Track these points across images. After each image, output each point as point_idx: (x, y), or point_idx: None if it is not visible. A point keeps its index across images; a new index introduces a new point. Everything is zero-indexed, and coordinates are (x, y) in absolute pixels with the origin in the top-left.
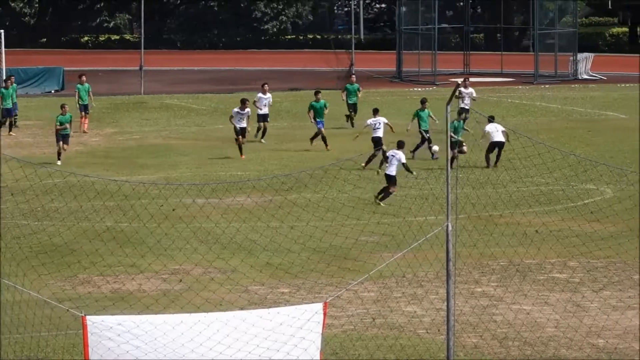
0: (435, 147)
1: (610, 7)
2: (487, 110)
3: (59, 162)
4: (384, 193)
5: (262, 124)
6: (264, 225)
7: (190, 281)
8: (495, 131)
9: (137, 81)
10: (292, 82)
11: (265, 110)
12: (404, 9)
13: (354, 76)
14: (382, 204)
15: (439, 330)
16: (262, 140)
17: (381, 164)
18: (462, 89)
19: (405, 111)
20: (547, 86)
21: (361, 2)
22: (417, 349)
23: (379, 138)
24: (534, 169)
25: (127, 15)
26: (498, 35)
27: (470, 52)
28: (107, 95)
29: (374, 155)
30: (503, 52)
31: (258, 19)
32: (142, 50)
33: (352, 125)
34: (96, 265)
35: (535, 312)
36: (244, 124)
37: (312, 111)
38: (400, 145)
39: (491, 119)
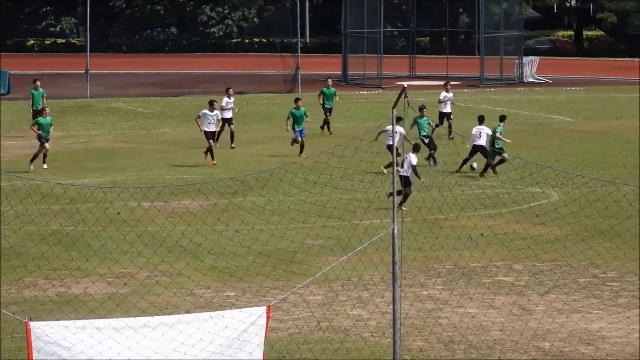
0: (440, 167)
1: (556, 10)
2: (433, 114)
3: (44, 166)
4: (403, 197)
5: (226, 126)
6: (209, 229)
7: (135, 285)
8: (478, 135)
9: (83, 85)
10: (238, 86)
11: (230, 115)
12: (350, 12)
13: (330, 80)
14: (403, 208)
15: (384, 334)
16: (233, 145)
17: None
18: (444, 93)
19: (350, 114)
20: (492, 89)
21: (307, 5)
22: (362, 352)
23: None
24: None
25: (72, 19)
26: (444, 38)
27: (416, 55)
28: (54, 99)
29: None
30: (449, 56)
31: (204, 22)
32: (88, 53)
33: (329, 131)
34: (42, 268)
35: (480, 315)
36: (212, 128)
37: (291, 119)
38: (416, 149)
39: (480, 120)
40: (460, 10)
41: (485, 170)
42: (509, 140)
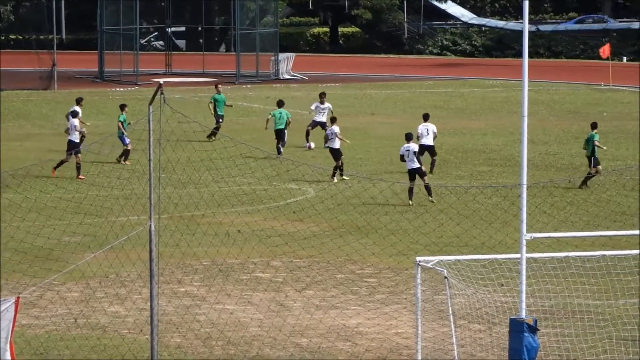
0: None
1: (311, 7)
2: (189, 111)
3: None
4: (427, 189)
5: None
6: None
7: None
8: (425, 134)
9: None
10: None
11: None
12: (105, 8)
13: (220, 86)
14: (431, 199)
15: (141, 331)
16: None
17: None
18: (318, 104)
19: (107, 111)
20: (249, 86)
21: (62, 1)
22: (119, 349)
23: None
24: (236, 168)
25: None
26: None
27: (172, 52)
28: None
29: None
30: (205, 52)
31: None
32: None
33: (215, 137)
34: None
35: (238, 311)
36: None
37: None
38: (409, 138)
39: (425, 117)
40: (216, 7)
41: (586, 180)
42: (605, 147)
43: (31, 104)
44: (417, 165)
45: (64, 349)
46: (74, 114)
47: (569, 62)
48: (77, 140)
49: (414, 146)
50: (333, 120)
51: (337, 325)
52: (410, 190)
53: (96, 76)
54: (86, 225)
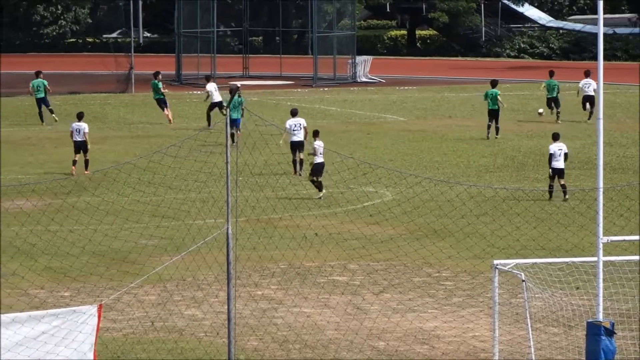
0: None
1: (388, 10)
2: (266, 113)
3: None
4: (562, 189)
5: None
6: (43, 229)
7: None
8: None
9: None
10: (71, 86)
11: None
12: (183, 11)
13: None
14: (566, 198)
15: (218, 334)
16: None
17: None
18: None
19: (185, 114)
20: (326, 89)
21: (140, 4)
22: (196, 352)
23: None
24: None
25: None
26: (277, 38)
27: (249, 55)
28: None
29: None
30: (282, 55)
31: (37, 22)
32: None
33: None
34: None
35: (315, 314)
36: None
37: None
38: (556, 137)
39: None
40: (294, 10)
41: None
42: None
43: (108, 107)
44: (562, 165)
45: (141, 352)
46: (294, 112)
47: None
48: (302, 139)
49: (564, 147)
50: (316, 133)
51: (414, 329)
52: (562, 187)
53: (174, 79)
54: (163, 228)
